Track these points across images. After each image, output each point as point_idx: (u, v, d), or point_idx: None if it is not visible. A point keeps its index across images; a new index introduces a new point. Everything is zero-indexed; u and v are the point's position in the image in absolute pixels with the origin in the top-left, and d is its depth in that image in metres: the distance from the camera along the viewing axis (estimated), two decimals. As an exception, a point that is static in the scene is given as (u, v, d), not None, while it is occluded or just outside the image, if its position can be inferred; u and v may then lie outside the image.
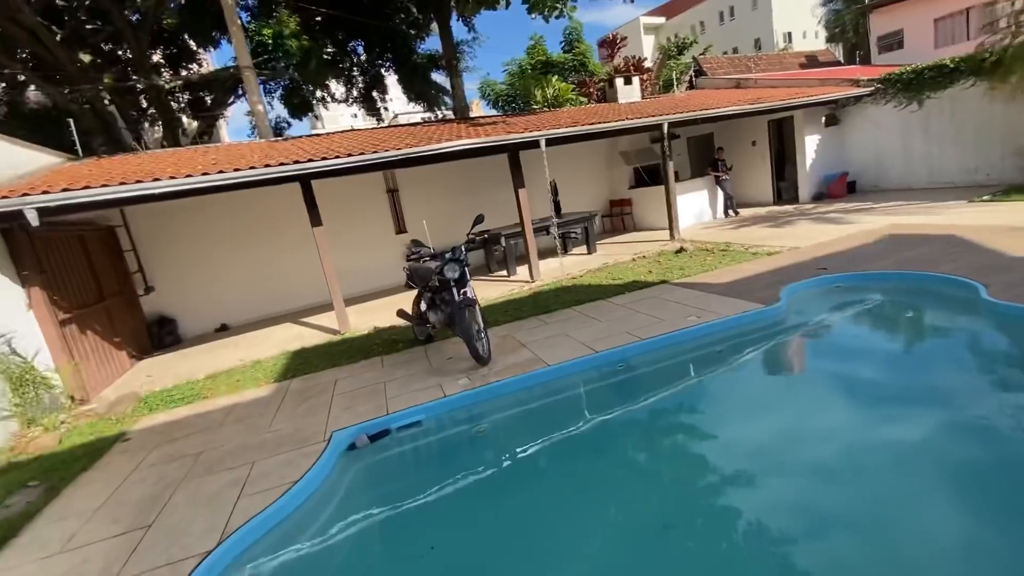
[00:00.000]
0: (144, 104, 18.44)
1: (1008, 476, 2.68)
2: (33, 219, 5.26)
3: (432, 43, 25.47)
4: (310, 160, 6.63)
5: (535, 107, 15.05)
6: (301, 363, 6.27)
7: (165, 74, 18.42)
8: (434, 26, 16.93)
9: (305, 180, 7.11)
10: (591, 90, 14.22)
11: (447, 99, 21.49)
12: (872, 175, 11.75)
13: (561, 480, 3.45)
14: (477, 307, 4.99)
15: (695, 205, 11.88)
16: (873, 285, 5.64)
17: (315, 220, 7.37)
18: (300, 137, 12.43)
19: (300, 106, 20.22)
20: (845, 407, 3.72)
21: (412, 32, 19.33)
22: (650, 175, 12.43)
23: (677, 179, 11.19)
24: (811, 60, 19.02)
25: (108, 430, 5.00)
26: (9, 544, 3.17)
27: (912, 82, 10.43)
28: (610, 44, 15.24)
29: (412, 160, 7.64)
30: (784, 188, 12.71)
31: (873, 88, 11.14)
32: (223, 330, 9.64)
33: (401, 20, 18.99)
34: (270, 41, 14.66)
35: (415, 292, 6.22)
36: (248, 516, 3.02)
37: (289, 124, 23.02)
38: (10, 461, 4.53)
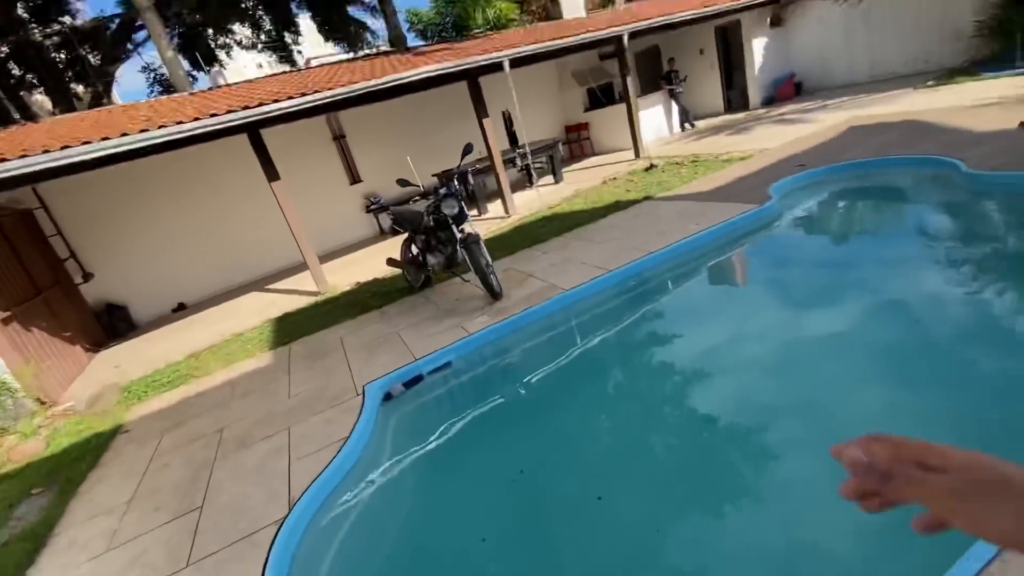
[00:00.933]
0: (18, 69, 15.81)
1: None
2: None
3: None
4: (261, 105, 5.92)
5: (476, 31, 14.12)
6: (292, 327, 5.91)
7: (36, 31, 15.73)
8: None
9: (255, 130, 6.39)
10: (533, 9, 13.42)
11: (368, 35, 19.80)
12: (817, 74, 12.00)
13: (597, 394, 3.49)
14: (482, 241, 4.78)
15: (652, 121, 11.79)
16: (855, 174, 5.84)
17: (272, 174, 6.72)
18: (222, 87, 11.10)
19: (204, 56, 18.07)
20: (861, 285, 3.90)
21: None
22: (604, 95, 12.14)
23: (634, 95, 10.99)
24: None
25: (99, 426, 4.57)
26: (44, 553, 2.86)
27: (855, -27, 10.47)
28: None
29: (368, 96, 7.00)
30: (733, 96, 12.81)
31: (815, -17, 11.13)
32: (181, 309, 8.92)
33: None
34: (161, -22, 12.78)
35: (403, 237, 5.90)
36: (310, 478, 2.86)
37: (195, 78, 20.57)
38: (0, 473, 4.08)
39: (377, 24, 19.77)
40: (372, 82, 6.68)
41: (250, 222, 9.34)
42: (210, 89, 10.88)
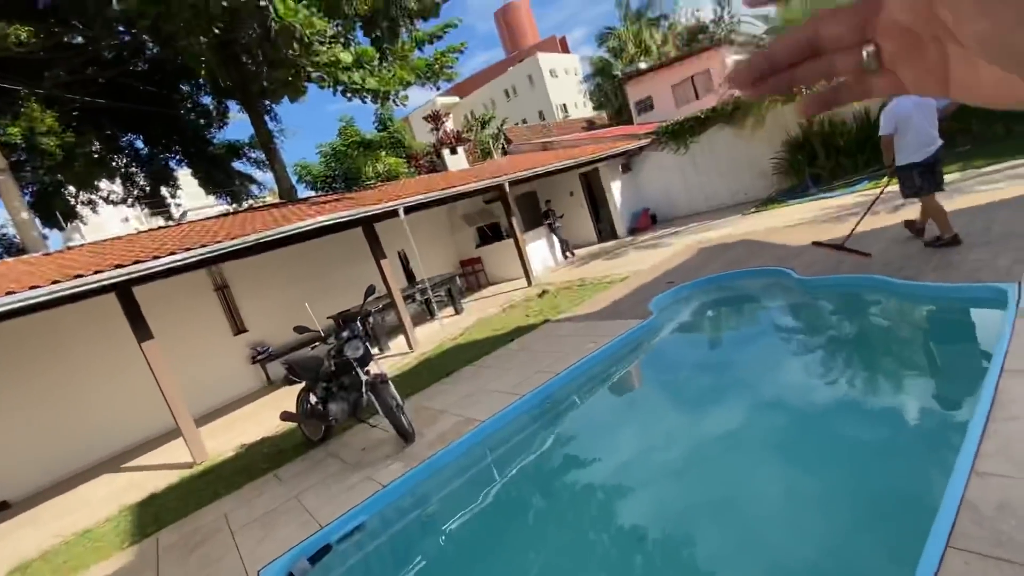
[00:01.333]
0: None
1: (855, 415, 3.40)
2: None
3: (229, 132, 23.77)
4: (137, 263, 5.52)
5: (368, 183, 15.00)
6: (159, 512, 4.93)
7: None
8: (237, 114, 15.95)
9: (126, 288, 5.88)
10: (420, 162, 14.78)
11: (255, 188, 20.07)
12: (666, 207, 14.29)
13: (523, 531, 3.30)
14: (389, 381, 4.61)
15: (539, 252, 12.92)
16: (716, 286, 6.78)
17: (143, 334, 6.08)
18: (85, 245, 10.26)
19: (63, 213, 16.87)
20: (734, 392, 4.33)
21: (203, 122, 17.85)
22: (493, 232, 13.21)
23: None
24: (591, 124, 22.77)
25: None
26: None
27: (678, 132, 13.21)
28: (435, 118, 16.31)
29: (262, 246, 6.91)
30: (603, 227, 14.65)
31: (651, 140, 13.78)
32: (4, 508, 7.10)
33: (190, 110, 17.48)
34: (19, 140, 12.18)
35: (298, 387, 5.48)
36: None
37: (47, 236, 18.83)
38: None
39: (264, 176, 20.23)
40: (276, 230, 6.66)
41: (103, 388, 8.13)
42: (69, 248, 9.96)
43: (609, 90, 25.22)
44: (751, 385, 4.25)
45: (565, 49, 58.62)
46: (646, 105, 21.97)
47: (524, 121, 39.86)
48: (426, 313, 9.66)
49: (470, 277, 13.48)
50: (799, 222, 8.43)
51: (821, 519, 2.57)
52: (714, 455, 3.42)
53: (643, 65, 22.76)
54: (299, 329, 4.99)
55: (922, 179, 5.03)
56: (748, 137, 11.16)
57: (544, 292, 9.45)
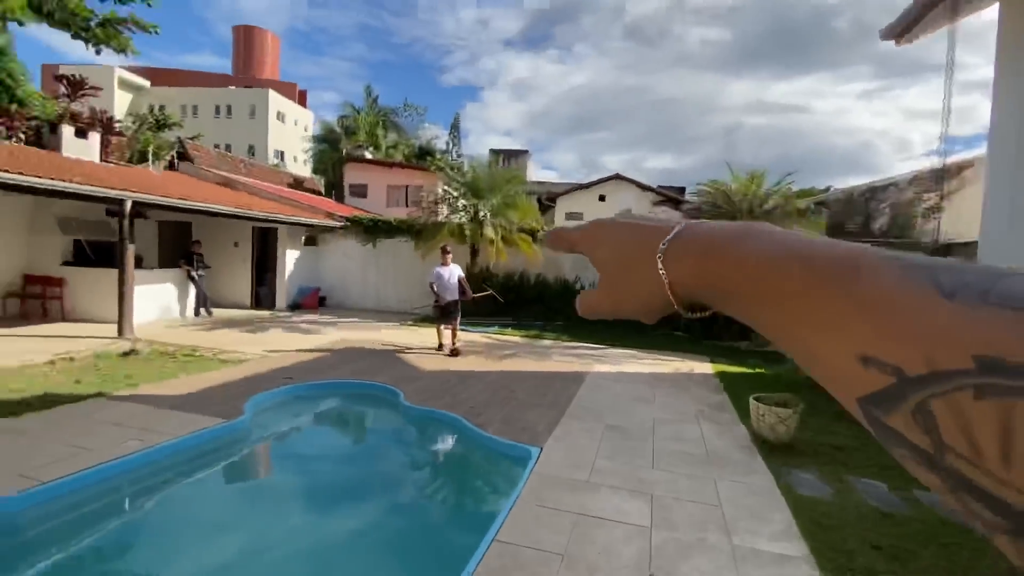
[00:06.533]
0: None
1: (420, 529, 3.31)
2: None
3: None
4: None
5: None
6: None
7: None
8: None
9: None
10: (15, 125, 10.25)
11: None
12: (339, 294, 13.83)
13: None
14: None
15: (161, 298, 10.31)
16: (328, 393, 6.34)
17: None
18: None
19: None
20: (307, 509, 3.76)
21: None
22: (99, 252, 9.99)
23: (140, 265, 9.48)
24: (299, 183, 21.42)
25: None
26: None
27: (371, 228, 13.38)
28: (75, 84, 11.70)
29: None
30: (263, 294, 13.03)
31: (344, 224, 13.53)
32: None
33: None
34: None
35: None
36: None
37: None
38: None
39: None
40: None
41: None
42: None
43: (331, 162, 24.79)
44: (322, 509, 3.69)
45: (302, 102, 56.67)
46: (360, 191, 22.25)
47: (227, 148, 35.21)
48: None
49: (34, 302, 9.55)
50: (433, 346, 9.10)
51: None
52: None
53: (368, 155, 23.43)
54: None
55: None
56: (424, 255, 12.08)
57: (132, 351, 7.24)
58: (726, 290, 0.30)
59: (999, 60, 7.77)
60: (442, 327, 8.45)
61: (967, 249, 8.89)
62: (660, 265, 0.33)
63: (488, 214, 11.43)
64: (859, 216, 12.26)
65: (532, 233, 11.89)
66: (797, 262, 0.27)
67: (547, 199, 26.91)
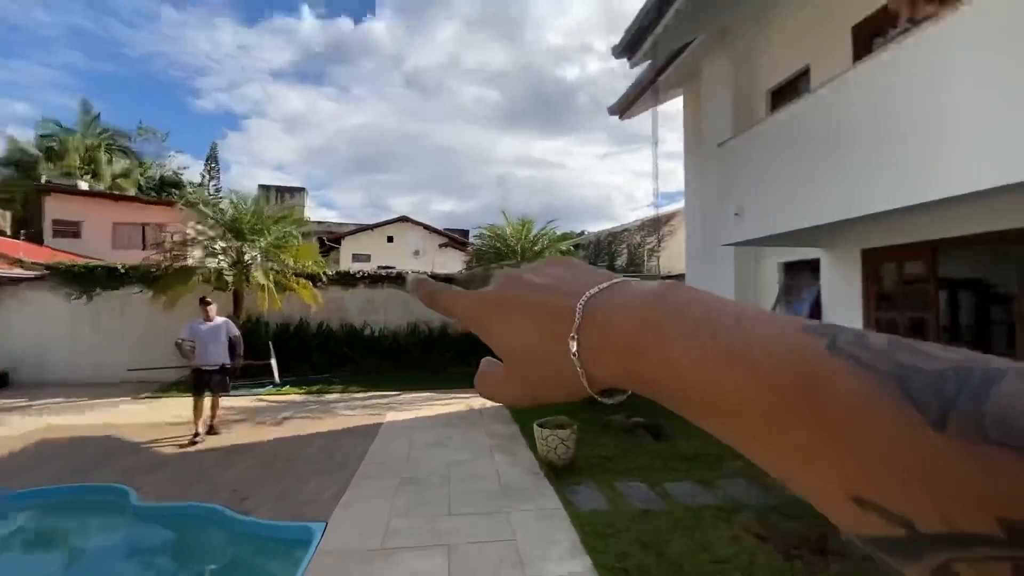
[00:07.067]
0: None
1: None
2: None
3: None
4: None
5: None
6: None
7: None
8: None
9: None
10: None
11: None
12: (32, 367, 10.30)
13: None
14: None
15: None
16: (14, 508, 4.52)
17: None
18: None
19: None
20: None
21: None
22: None
23: None
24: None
25: None
26: None
27: (84, 276, 10.43)
28: None
29: None
30: None
31: (41, 273, 10.28)
32: None
33: None
34: None
35: None
36: None
37: None
38: None
39: None
40: None
41: None
42: None
43: (22, 192, 18.96)
44: None
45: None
46: (71, 230, 17.46)
47: None
48: None
49: None
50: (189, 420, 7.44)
51: None
52: None
53: (83, 184, 18.68)
54: None
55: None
56: (168, 308, 9.93)
57: None
58: (662, 394, 0.25)
59: (684, 136, 10.32)
60: (201, 402, 6.37)
61: (681, 279, 11.40)
62: (576, 362, 0.28)
63: (259, 257, 10.09)
64: (606, 256, 14.90)
65: (312, 277, 10.92)
66: (741, 369, 0.22)
67: (331, 240, 25.49)
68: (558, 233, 11.55)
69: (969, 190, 3.42)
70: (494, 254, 10.63)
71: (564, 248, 10.76)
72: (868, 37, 5.86)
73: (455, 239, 26.56)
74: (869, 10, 5.68)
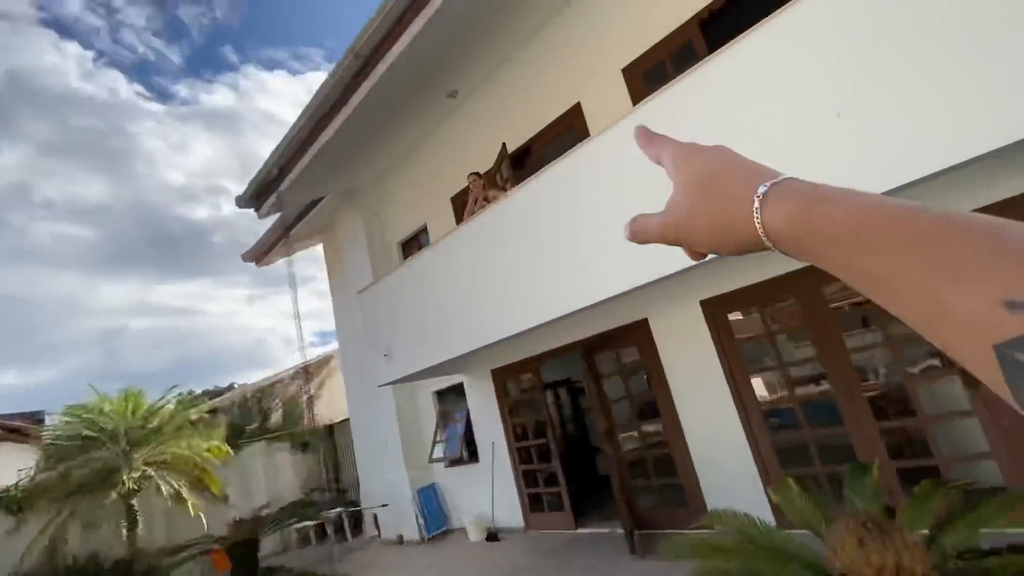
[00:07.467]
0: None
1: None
2: None
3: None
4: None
5: None
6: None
7: None
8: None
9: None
10: None
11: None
12: None
13: None
14: None
15: None
16: None
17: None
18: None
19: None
20: None
21: None
22: None
23: None
24: None
25: None
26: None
27: None
28: None
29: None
30: None
31: None
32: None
33: None
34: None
35: None
36: None
37: None
38: None
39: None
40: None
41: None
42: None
43: None
44: None
45: None
46: None
47: None
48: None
49: None
50: None
51: None
52: None
53: None
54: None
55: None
56: None
57: None
58: (832, 235, 0.30)
59: (330, 282, 10.49)
60: None
61: (345, 425, 10.72)
62: (756, 203, 0.33)
63: None
64: (257, 415, 12.57)
65: None
66: (928, 215, 0.27)
67: None
68: (197, 391, 9.40)
69: (551, 317, 4.58)
70: (78, 445, 7.57)
71: (195, 416, 8.69)
72: (460, 206, 7.53)
73: (14, 428, 18.15)
74: (458, 187, 7.36)
